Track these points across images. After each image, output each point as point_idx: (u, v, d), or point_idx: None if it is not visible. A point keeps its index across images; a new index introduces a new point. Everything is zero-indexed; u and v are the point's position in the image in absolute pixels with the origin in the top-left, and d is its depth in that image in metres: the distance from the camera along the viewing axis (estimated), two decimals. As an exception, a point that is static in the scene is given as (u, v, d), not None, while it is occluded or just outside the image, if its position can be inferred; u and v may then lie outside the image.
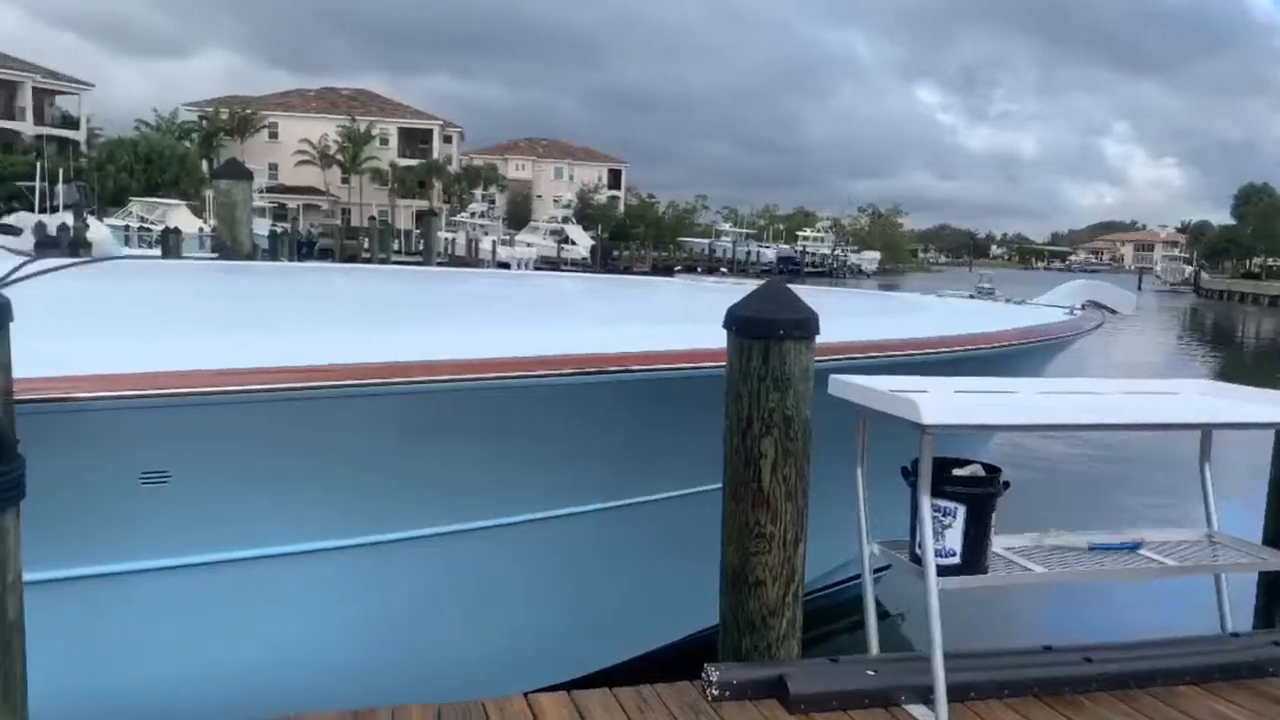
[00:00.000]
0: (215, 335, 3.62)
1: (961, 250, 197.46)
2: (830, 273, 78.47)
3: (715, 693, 3.41)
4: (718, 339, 3.63)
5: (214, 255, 8.97)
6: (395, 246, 50.11)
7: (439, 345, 3.52)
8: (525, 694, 3.41)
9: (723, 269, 63.46)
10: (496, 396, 3.62)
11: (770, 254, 78.59)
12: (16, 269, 4.41)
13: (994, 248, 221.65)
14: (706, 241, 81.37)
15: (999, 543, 3.71)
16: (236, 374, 3.18)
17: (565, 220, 70.44)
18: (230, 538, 3.50)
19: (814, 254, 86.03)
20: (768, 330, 3.45)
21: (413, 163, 74.81)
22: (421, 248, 46.44)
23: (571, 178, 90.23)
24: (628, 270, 51.36)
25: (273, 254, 31.91)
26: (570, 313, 6.26)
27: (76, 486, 3.15)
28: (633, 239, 76.47)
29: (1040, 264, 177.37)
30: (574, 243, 62.65)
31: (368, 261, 37.11)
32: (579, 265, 53.93)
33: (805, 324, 3.48)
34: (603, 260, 57.45)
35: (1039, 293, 7.48)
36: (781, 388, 3.45)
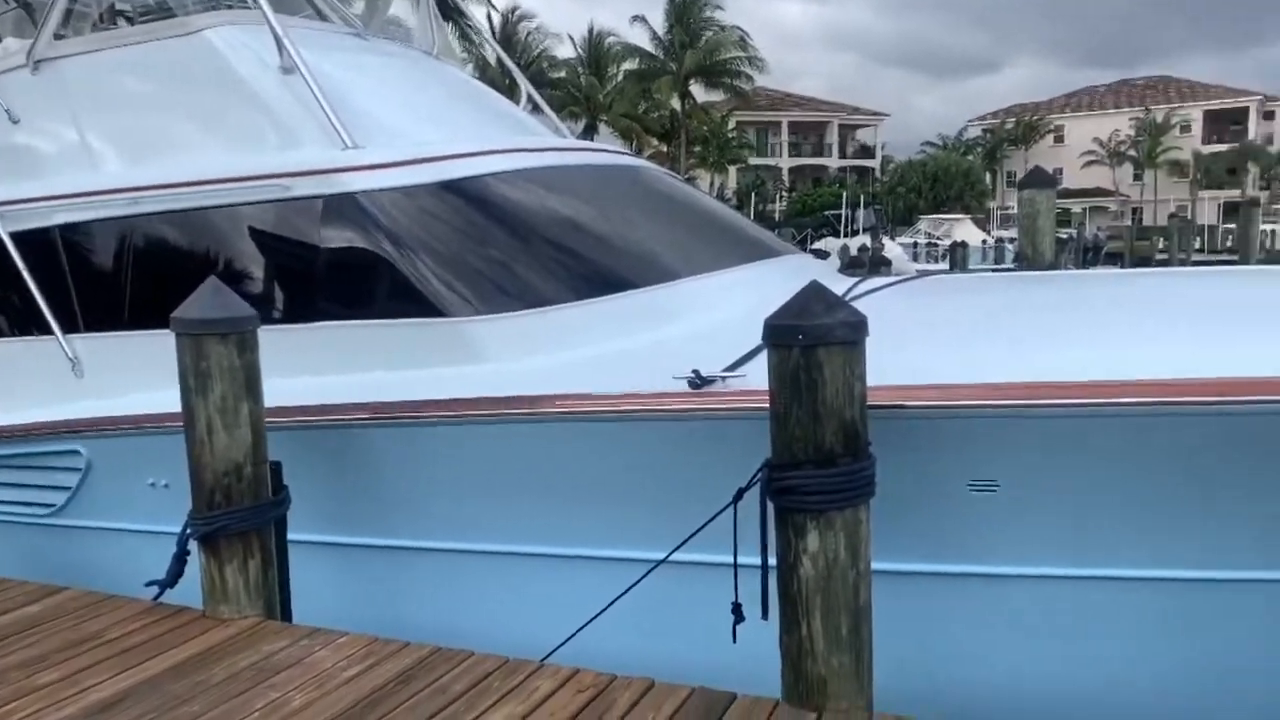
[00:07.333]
0: (1032, 347, 3.57)
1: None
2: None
3: None
4: None
5: (1011, 266, 9.05)
6: (1196, 245, 45.00)
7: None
8: None
9: None
10: None
11: None
12: (851, 288, 4.90)
13: None
14: None
15: None
16: (1075, 388, 3.10)
17: None
18: (1058, 554, 3.41)
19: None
20: None
21: (1220, 148, 66.18)
22: (1231, 244, 40.93)
23: None
24: None
25: (1055, 261, 31.00)
26: None
27: (912, 489, 3.36)
28: None
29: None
30: None
31: (1164, 264, 34.04)
32: None
33: None
34: None
35: None
36: None
